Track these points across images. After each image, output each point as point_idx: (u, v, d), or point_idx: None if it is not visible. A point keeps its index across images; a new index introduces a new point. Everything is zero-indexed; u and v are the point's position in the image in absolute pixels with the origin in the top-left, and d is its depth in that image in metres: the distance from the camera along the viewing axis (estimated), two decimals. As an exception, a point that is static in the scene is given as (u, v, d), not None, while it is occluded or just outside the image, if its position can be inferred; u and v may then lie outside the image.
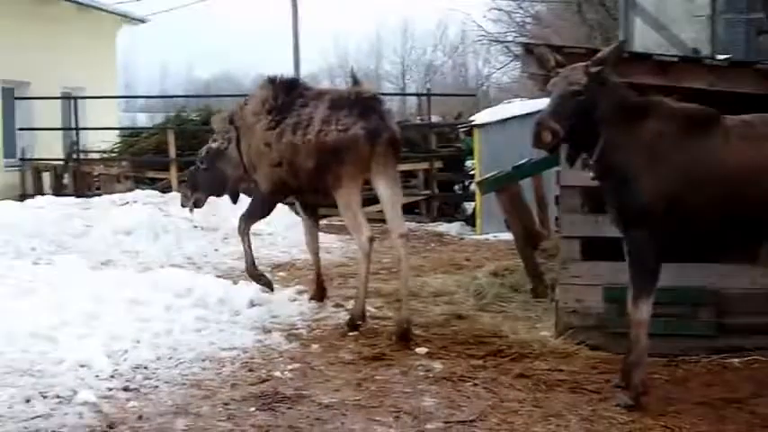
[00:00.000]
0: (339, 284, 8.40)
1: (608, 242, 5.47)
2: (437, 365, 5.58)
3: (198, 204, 7.73)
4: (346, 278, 8.75)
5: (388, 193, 6.71)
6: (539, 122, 4.61)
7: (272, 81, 7.15)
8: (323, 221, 13.50)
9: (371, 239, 6.67)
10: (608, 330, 5.81)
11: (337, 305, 7.30)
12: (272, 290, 7.36)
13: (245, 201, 7.76)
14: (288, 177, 6.91)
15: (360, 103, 6.58)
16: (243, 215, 7.41)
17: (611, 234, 5.19)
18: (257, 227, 11.11)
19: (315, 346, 6.01)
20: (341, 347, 6.01)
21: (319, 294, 7.46)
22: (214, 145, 7.48)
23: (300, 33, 27.49)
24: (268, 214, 7.58)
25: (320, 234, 11.75)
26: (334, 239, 11.73)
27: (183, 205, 7.87)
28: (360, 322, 6.53)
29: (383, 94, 28.39)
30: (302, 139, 6.64)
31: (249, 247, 7.37)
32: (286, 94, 6.96)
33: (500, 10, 23.97)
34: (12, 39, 15.28)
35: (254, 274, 7.42)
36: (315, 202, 7.52)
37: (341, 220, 13.78)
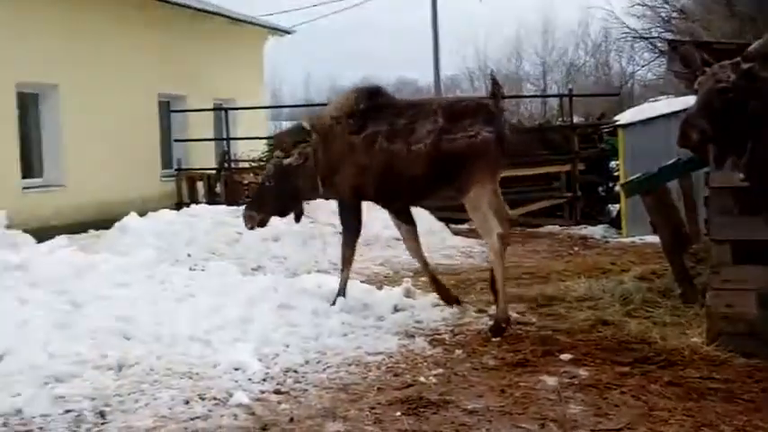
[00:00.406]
0: (481, 289, 8.38)
1: (761, 245, 5.26)
2: (582, 372, 5.52)
3: (262, 224, 7.60)
4: (488, 282, 8.71)
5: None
6: (685, 121, 4.49)
7: (354, 90, 7.39)
8: (464, 226, 13.60)
9: (503, 237, 6.78)
10: (762, 337, 5.59)
11: (480, 310, 7.31)
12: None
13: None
14: (374, 182, 7.05)
15: (483, 110, 6.83)
16: (343, 241, 7.44)
17: (764, 237, 4.99)
18: (399, 232, 11.32)
19: (458, 352, 6.05)
20: (484, 353, 6.03)
21: (446, 296, 7.46)
22: (286, 161, 7.39)
23: (440, 37, 27.61)
24: (361, 221, 7.47)
25: (461, 238, 11.88)
26: (474, 243, 11.73)
27: (247, 226, 7.61)
28: (504, 326, 6.55)
29: (523, 96, 28.07)
30: (407, 148, 6.82)
31: (347, 277, 7.34)
32: (368, 101, 7.13)
33: (644, 5, 23.33)
34: (168, 54, 16.08)
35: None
36: (401, 208, 7.63)
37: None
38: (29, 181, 13.07)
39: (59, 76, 13.33)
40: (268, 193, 7.48)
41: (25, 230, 8.66)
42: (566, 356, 5.86)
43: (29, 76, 12.78)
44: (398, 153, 6.89)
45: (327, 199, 8.35)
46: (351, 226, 7.40)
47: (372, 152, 6.98)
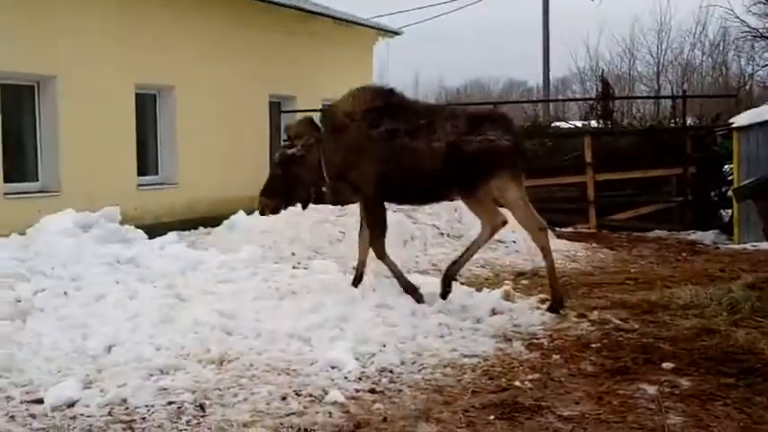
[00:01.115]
0: (583, 294, 8.25)
1: None
2: (684, 382, 5.36)
3: (275, 211, 7.78)
4: (591, 288, 8.59)
5: None
6: None
7: (367, 88, 7.83)
8: (568, 229, 13.41)
9: (544, 229, 7.46)
10: None
11: (580, 315, 7.19)
12: (423, 302, 7.22)
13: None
14: (393, 177, 7.29)
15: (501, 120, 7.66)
16: (373, 240, 7.56)
17: None
18: (501, 235, 11.24)
19: (555, 357, 5.97)
20: (582, 359, 5.93)
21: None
22: (290, 151, 7.55)
23: (551, 38, 27.24)
24: (386, 217, 7.64)
25: (565, 242, 11.70)
26: (579, 247, 11.55)
27: (261, 213, 7.81)
28: (561, 311, 7.15)
29: (635, 97, 27.42)
30: (427, 145, 7.22)
31: (393, 266, 7.53)
32: (385, 99, 7.49)
33: (765, 3, 22.43)
34: (279, 55, 16.41)
35: (409, 287, 7.39)
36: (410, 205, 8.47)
37: (587, 227, 13.64)
38: (144, 178, 13.56)
39: (176, 78, 13.79)
40: (276, 181, 7.64)
41: (138, 226, 8.98)
42: (667, 365, 5.71)
43: (147, 77, 13.27)
44: (419, 149, 7.23)
45: (335, 203, 8.46)
46: (379, 224, 7.57)
47: (393, 147, 7.26)
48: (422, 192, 7.59)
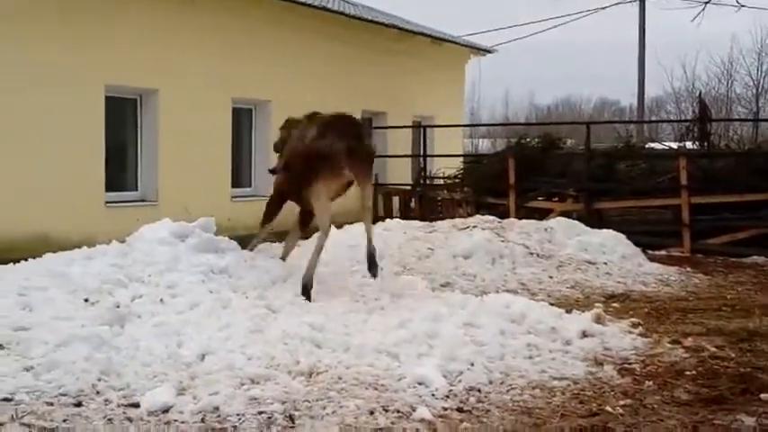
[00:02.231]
0: (677, 319, 8.05)
1: None
2: (785, 415, 5.18)
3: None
4: (685, 313, 8.37)
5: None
6: None
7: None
8: (662, 252, 13.10)
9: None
10: None
11: (674, 341, 7.02)
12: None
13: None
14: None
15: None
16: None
17: None
18: (593, 255, 11.07)
19: (648, 383, 5.83)
20: (676, 386, 5.78)
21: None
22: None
23: (646, 57, 26.78)
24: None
25: (658, 265, 11.43)
26: (673, 271, 11.27)
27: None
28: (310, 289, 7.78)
29: (733, 119, 26.81)
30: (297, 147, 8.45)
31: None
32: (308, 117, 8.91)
33: None
34: (372, 71, 16.59)
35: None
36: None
37: (681, 251, 13.30)
38: (238, 190, 13.85)
39: (272, 93, 14.08)
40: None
41: (231, 237, 9.17)
42: (766, 396, 5.52)
43: (244, 92, 13.58)
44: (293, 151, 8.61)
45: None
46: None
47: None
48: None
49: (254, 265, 8.25)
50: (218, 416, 4.96)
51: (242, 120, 14.23)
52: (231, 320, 6.58)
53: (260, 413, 5.00)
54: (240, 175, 14.20)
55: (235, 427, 4.83)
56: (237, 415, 4.96)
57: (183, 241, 8.10)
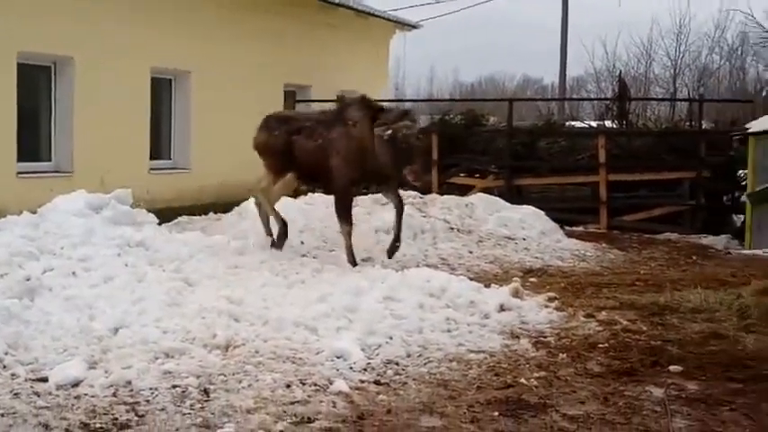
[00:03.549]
0: (592, 294, 8.21)
1: None
2: (691, 386, 5.33)
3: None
4: (600, 288, 8.54)
5: None
6: None
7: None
8: (579, 228, 13.36)
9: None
10: None
11: (588, 315, 7.15)
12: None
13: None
14: None
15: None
16: None
17: None
18: (512, 231, 11.22)
19: (562, 356, 5.94)
20: (589, 359, 5.90)
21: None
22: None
23: (569, 36, 27.14)
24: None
25: (575, 240, 11.66)
26: (589, 247, 11.51)
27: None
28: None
29: (651, 98, 27.17)
30: None
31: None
32: None
33: (786, 8, 22.28)
34: (295, 44, 16.37)
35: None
36: None
37: (598, 227, 13.59)
38: (157, 162, 13.55)
39: (192, 64, 13.77)
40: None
41: (150, 210, 8.99)
42: (675, 368, 5.68)
43: (164, 62, 13.26)
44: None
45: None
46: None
47: None
48: None
49: (172, 239, 8.12)
50: (131, 390, 4.87)
51: (161, 91, 13.90)
52: (146, 294, 6.45)
53: (174, 387, 4.93)
54: (159, 147, 13.89)
55: (147, 400, 4.74)
56: (150, 389, 4.88)
57: (98, 213, 7.91)
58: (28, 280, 6.42)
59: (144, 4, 12.71)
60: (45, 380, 4.93)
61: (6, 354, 5.23)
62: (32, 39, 10.93)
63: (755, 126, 13.30)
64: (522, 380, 5.38)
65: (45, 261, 6.92)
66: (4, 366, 5.10)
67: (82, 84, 11.68)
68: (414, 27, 21.59)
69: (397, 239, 9.24)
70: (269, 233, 9.41)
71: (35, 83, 11.63)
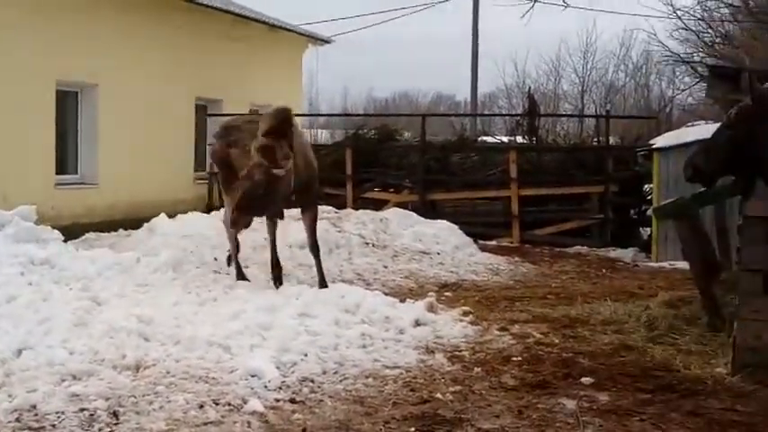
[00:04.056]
0: (505, 307, 8.31)
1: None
2: (602, 397, 5.42)
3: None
4: (513, 301, 8.65)
5: None
6: (689, 157, 4.46)
7: None
8: (492, 242, 13.53)
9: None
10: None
11: (502, 329, 7.23)
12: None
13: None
14: None
15: None
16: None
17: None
18: (427, 245, 11.28)
19: (477, 370, 5.98)
20: (503, 372, 5.95)
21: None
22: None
23: (479, 53, 27.52)
24: None
25: (489, 254, 11.79)
26: (502, 261, 11.66)
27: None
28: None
29: (560, 115, 27.71)
30: None
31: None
32: None
33: (687, 29, 23.04)
34: (206, 58, 16.19)
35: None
36: None
37: (510, 241, 13.78)
38: (63, 177, 13.19)
39: (100, 76, 13.47)
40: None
41: (56, 227, 8.71)
42: (586, 380, 5.77)
43: (68, 75, 12.93)
44: None
45: None
46: None
47: None
48: None
49: (78, 256, 7.88)
50: (36, 414, 4.70)
51: (67, 103, 13.54)
52: (52, 314, 6.24)
53: (81, 410, 4.77)
54: (66, 162, 13.51)
55: (53, 425, 4.58)
56: (57, 413, 4.72)
57: (1, 230, 7.62)
58: (-76, 301, 6.14)
59: (49, 15, 12.38)
60: (-57, 405, 4.71)
61: None
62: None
63: (660, 141, 13.73)
64: (438, 395, 5.39)
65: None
66: None
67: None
68: (326, 41, 21.62)
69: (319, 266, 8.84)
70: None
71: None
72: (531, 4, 12.89)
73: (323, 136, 35.29)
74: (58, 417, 4.68)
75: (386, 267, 10.36)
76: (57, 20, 12.50)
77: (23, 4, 11.96)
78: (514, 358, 6.30)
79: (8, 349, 5.56)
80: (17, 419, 4.63)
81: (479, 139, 18.95)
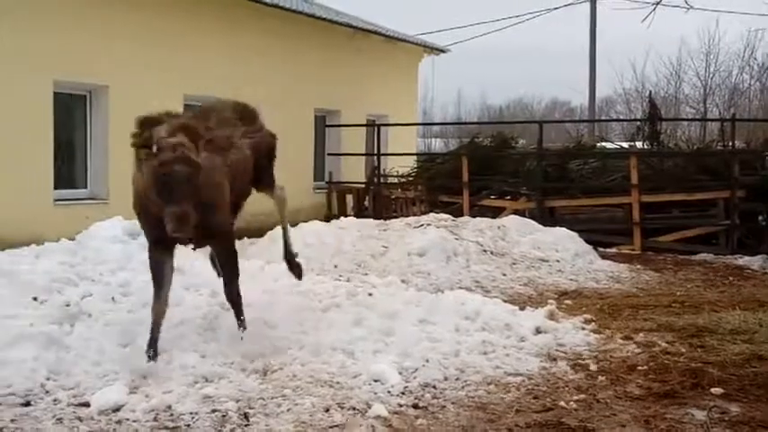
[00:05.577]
0: (628, 316, 8.14)
1: None
2: (734, 408, 5.26)
3: None
4: (636, 309, 8.47)
5: None
6: None
7: None
8: (612, 249, 13.28)
9: None
10: None
11: (626, 337, 7.10)
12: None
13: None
14: None
15: None
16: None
17: None
18: (545, 253, 11.17)
19: (601, 378, 5.89)
20: (629, 381, 5.84)
21: None
22: None
23: (597, 57, 27.08)
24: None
25: (610, 262, 11.57)
26: (624, 269, 11.42)
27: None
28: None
29: (682, 119, 26.98)
30: None
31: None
32: None
33: (817, 26, 22.09)
34: (326, 70, 16.54)
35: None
36: None
37: (632, 249, 13.48)
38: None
39: (223, 91, 13.90)
40: None
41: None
42: (716, 390, 5.60)
43: (193, 90, 13.43)
44: None
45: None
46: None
47: None
48: None
49: (207, 263, 8.14)
50: (171, 414, 4.90)
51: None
52: (184, 318, 6.50)
53: (214, 411, 4.95)
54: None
55: (188, 425, 4.77)
56: (191, 413, 4.91)
57: (135, 239, 7.97)
58: (68, 306, 6.50)
59: (165, 34, 12.88)
60: (87, 405, 4.97)
61: (48, 379, 5.28)
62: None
63: (789, 145, 13.18)
64: (562, 403, 5.34)
65: (84, 287, 7.00)
66: (47, 392, 5.15)
67: (116, 111, 11.84)
68: (442, 51, 21.69)
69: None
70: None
71: (70, 111, 11.80)
72: (653, 8, 12.54)
73: (437, 144, 35.44)
74: (192, 417, 4.87)
75: (504, 275, 10.32)
76: (181, 43, 13.01)
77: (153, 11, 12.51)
78: (640, 367, 6.17)
79: (144, 352, 5.81)
80: (154, 419, 4.84)
81: (598, 144, 18.66)
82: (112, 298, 6.86)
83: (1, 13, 10.25)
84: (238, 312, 6.29)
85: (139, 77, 12.05)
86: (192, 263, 7.86)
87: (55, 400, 5.05)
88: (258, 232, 11.97)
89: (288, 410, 5.03)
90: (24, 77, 10.54)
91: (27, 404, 4.98)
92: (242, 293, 6.56)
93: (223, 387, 5.32)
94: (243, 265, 8.53)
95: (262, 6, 14.41)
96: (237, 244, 11.46)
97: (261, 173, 6.89)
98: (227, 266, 6.43)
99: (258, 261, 9.11)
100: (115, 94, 11.84)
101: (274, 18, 14.94)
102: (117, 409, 4.92)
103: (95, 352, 5.78)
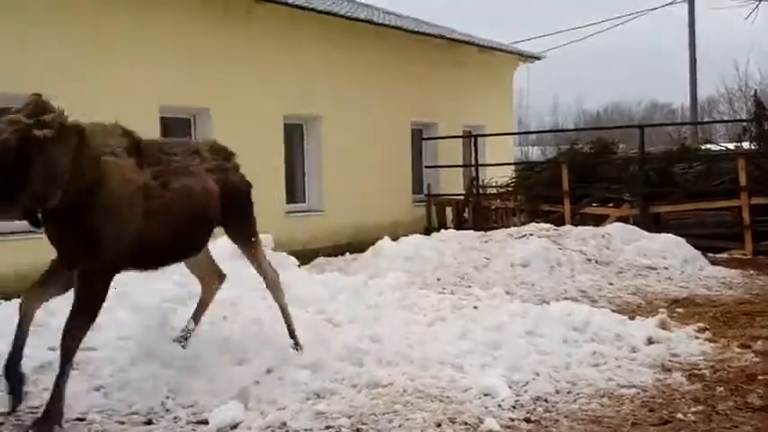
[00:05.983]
0: (744, 323, 7.88)
1: None
2: None
3: None
4: (752, 316, 8.19)
5: None
6: None
7: None
8: (722, 255, 12.86)
9: None
10: None
11: (743, 346, 6.87)
12: None
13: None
14: None
15: None
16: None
17: None
18: (652, 260, 10.91)
19: (720, 389, 5.71)
20: (749, 392, 5.64)
21: None
22: None
23: (697, 57, 26.33)
24: None
25: (720, 268, 11.22)
26: (736, 274, 11.06)
27: None
28: None
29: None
30: None
31: None
32: None
33: None
34: (422, 83, 16.62)
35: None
36: None
37: (743, 253, 13.02)
38: (292, 206, 13.93)
39: (323, 108, 14.18)
40: None
41: (287, 252, 9.23)
42: None
43: (295, 108, 13.69)
44: None
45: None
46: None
47: None
48: None
49: (312, 280, 8.29)
50: (287, 431, 4.97)
51: (294, 135, 14.33)
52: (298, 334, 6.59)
53: (327, 428, 4.99)
54: (294, 191, 14.29)
55: (304, 441, 4.83)
56: (305, 430, 4.96)
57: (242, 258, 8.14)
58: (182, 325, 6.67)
59: (276, 54, 13.20)
60: (205, 422, 5.09)
61: (168, 397, 5.43)
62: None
63: None
64: (679, 415, 5.20)
65: (194, 306, 7.17)
66: (167, 410, 5.29)
67: (218, 130, 12.18)
68: (536, 58, 21.49)
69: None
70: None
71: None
72: (756, 4, 12.12)
73: (534, 153, 35.10)
74: (307, 433, 4.94)
75: (611, 284, 10.13)
76: (280, 58, 13.29)
77: (258, 41, 12.83)
78: (760, 377, 5.97)
79: (258, 369, 5.92)
80: (270, 435, 4.93)
81: (703, 147, 18.14)
82: (224, 316, 7.01)
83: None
84: (63, 362, 4.92)
85: (239, 102, 12.37)
86: (297, 279, 8.01)
87: (175, 418, 5.18)
88: (360, 247, 12.12)
89: (399, 426, 5.04)
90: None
91: (149, 422, 5.12)
92: (350, 309, 6.48)
93: (335, 403, 5.36)
94: (346, 280, 8.70)
95: (358, 23, 14.62)
96: (339, 260, 11.62)
97: (230, 219, 6.44)
98: (83, 296, 5.08)
99: (361, 276, 9.19)
100: (216, 116, 12.18)
101: (369, 33, 15.11)
102: (234, 426, 5.01)
103: (211, 369, 5.93)
